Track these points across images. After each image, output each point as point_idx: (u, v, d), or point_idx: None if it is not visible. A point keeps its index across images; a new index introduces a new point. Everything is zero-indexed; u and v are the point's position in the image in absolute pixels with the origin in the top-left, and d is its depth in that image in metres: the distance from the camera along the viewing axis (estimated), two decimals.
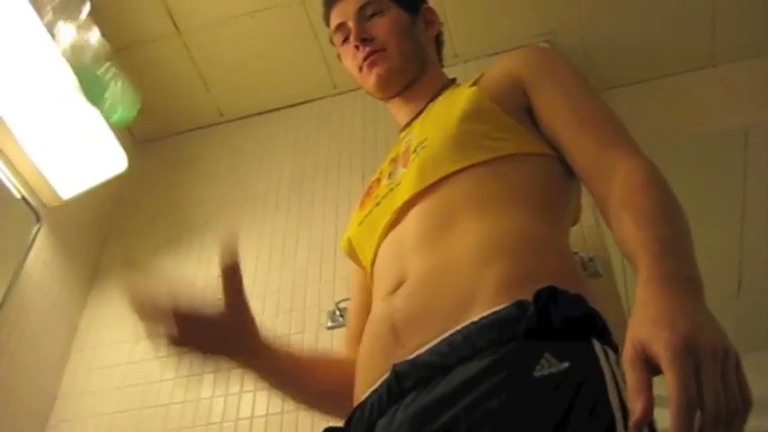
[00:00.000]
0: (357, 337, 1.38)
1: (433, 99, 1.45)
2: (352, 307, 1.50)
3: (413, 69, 1.48)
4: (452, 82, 1.52)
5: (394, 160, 1.37)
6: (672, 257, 0.89)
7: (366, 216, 1.35)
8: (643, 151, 1.14)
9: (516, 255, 1.06)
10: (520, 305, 0.95)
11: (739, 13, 2.42)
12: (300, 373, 1.33)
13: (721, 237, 3.32)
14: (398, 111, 1.52)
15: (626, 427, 0.81)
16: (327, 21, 1.57)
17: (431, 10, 1.61)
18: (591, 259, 1.78)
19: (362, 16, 1.49)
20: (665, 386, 0.72)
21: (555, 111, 1.23)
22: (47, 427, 2.03)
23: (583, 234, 1.86)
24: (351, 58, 1.50)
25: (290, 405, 1.85)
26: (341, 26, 1.52)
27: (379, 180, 1.40)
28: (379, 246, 1.28)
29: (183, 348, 1.17)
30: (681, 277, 0.85)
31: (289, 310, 2.04)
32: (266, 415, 1.86)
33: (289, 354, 1.33)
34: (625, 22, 2.45)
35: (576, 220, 1.37)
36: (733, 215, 3.20)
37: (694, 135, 2.52)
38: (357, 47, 1.47)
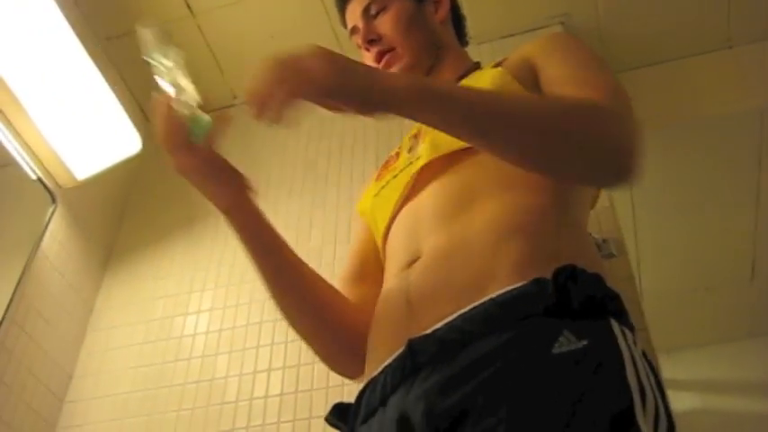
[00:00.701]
0: (350, 279, 1.40)
1: (458, 81, 1.44)
2: (352, 246, 1.48)
3: (427, 59, 1.47)
4: (477, 66, 1.51)
5: (415, 136, 1.37)
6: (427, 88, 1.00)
7: (383, 188, 1.34)
8: (641, 130, 1.07)
9: (535, 234, 1.06)
10: (538, 283, 0.95)
11: None
12: (295, 268, 1.30)
13: (736, 220, 3.31)
14: None
15: (644, 408, 0.82)
16: (344, 24, 1.57)
17: None
18: (605, 240, 1.78)
19: (368, 16, 1.47)
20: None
21: (555, 81, 1.20)
22: (63, 406, 2.06)
23: (597, 216, 1.86)
24: (367, 61, 1.51)
25: (304, 385, 1.87)
26: (353, 30, 1.51)
27: (398, 154, 1.40)
28: (393, 218, 1.27)
29: (185, 172, 1.17)
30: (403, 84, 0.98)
31: None
32: (281, 394, 1.88)
33: (283, 241, 1.31)
34: (640, 4, 2.43)
35: (594, 203, 1.36)
36: (748, 198, 3.18)
37: (710, 117, 2.51)
38: (367, 49, 1.47)
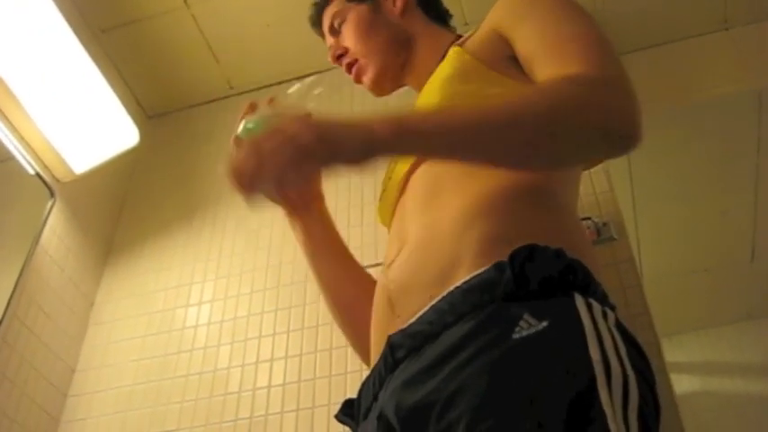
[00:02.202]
0: None
1: (438, 64, 1.42)
2: None
3: (395, 59, 1.45)
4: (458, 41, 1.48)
5: None
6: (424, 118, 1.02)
7: (384, 191, 1.35)
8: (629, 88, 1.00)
9: (499, 214, 1.04)
10: (499, 267, 0.93)
11: None
12: (350, 266, 1.39)
13: (735, 201, 3.32)
14: (418, 91, 1.50)
15: (609, 384, 0.80)
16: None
17: None
18: (605, 224, 1.78)
19: (334, 32, 1.49)
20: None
21: (530, 50, 1.15)
22: (66, 400, 2.06)
23: (596, 199, 1.86)
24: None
25: (307, 374, 1.87)
26: (330, 48, 1.53)
27: None
28: (392, 219, 1.29)
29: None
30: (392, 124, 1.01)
31: (303, 280, 2.04)
32: (283, 384, 1.88)
33: (340, 250, 1.43)
34: None
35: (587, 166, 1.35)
36: (747, 179, 3.19)
37: (708, 99, 2.50)
38: (339, 64, 1.49)
